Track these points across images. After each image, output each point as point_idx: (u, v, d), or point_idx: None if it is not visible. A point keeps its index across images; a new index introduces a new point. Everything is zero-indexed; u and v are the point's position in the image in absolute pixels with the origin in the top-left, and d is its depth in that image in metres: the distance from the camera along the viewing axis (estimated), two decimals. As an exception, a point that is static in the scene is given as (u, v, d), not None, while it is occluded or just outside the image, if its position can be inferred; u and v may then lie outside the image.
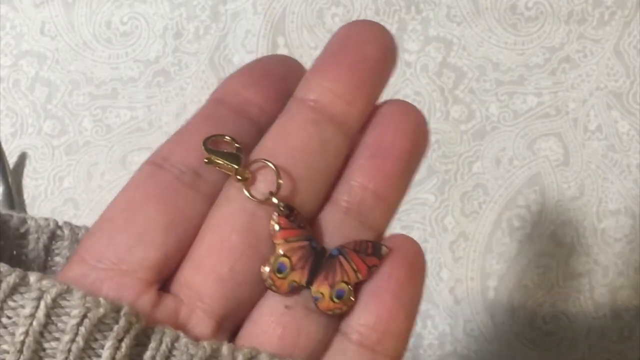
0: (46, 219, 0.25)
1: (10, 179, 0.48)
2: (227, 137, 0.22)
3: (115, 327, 0.20)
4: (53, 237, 0.25)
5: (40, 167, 0.57)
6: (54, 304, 0.19)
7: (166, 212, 0.22)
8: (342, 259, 0.22)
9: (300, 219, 0.22)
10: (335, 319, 0.22)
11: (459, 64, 0.55)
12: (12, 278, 0.19)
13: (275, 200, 0.22)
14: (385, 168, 0.23)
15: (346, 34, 0.23)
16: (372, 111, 0.23)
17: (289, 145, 0.22)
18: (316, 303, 0.22)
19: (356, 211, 0.23)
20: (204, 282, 0.22)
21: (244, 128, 0.23)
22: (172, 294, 0.22)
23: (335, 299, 0.22)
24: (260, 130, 0.23)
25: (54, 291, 0.19)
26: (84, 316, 0.19)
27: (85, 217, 0.55)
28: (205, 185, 0.22)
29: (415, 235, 0.38)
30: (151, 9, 0.57)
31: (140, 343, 0.20)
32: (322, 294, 0.22)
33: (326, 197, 0.23)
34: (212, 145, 0.22)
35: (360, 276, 0.22)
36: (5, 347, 0.19)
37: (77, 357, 0.19)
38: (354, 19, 0.55)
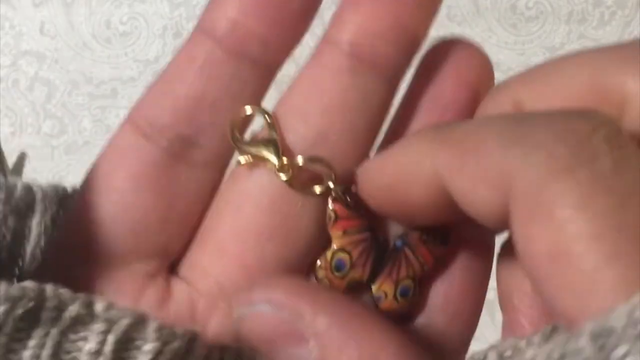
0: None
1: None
2: (266, 117, 0.18)
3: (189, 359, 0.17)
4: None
5: (40, 167, 0.57)
6: (124, 337, 0.16)
7: (160, 197, 0.18)
8: (407, 251, 0.19)
9: (360, 205, 0.19)
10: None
11: (459, 63, 0.55)
12: (75, 307, 0.16)
13: (331, 184, 0.18)
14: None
15: None
16: (427, 53, 0.19)
17: (323, 103, 0.18)
18: (377, 303, 0.19)
19: None
20: (226, 270, 0.18)
21: (244, 74, 0.18)
22: (185, 281, 0.19)
23: (399, 298, 0.19)
24: (266, 76, 0.19)
25: (124, 323, 0.16)
26: (159, 352, 0.16)
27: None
28: (201, 153, 0.18)
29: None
30: (151, 9, 0.57)
31: None
32: (385, 292, 0.19)
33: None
34: (237, 119, 0.18)
35: (426, 268, 0.19)
36: None
37: None
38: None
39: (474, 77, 0.20)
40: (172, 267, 0.19)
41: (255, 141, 0.18)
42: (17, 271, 0.17)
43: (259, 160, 0.18)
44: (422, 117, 0.19)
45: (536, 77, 0.16)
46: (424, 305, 0.19)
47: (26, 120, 0.57)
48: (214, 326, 0.18)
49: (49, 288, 0.16)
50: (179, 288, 0.19)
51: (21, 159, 0.57)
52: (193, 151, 0.18)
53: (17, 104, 0.57)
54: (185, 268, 0.19)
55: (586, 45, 0.54)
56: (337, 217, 0.19)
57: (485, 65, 0.20)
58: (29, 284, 0.16)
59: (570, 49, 0.54)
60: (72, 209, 0.19)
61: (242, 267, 0.18)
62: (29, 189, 0.19)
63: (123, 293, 0.18)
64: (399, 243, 0.19)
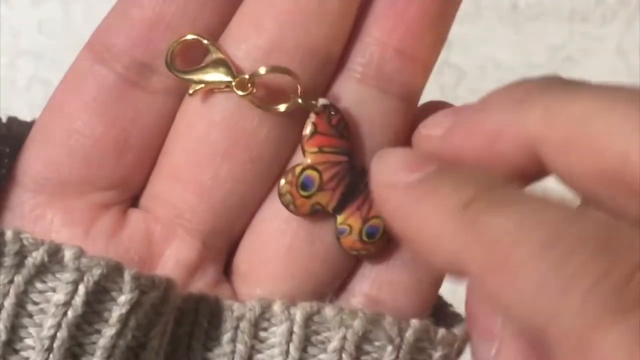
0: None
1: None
2: (203, 39, 0.17)
3: (164, 310, 0.16)
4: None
5: (38, 167, 0.57)
6: (97, 288, 0.15)
7: (113, 125, 0.17)
8: None
9: (343, 126, 0.17)
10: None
11: (460, 63, 0.55)
12: (39, 254, 0.14)
13: (300, 100, 0.17)
14: (409, 16, 0.18)
15: None
16: None
17: (278, 9, 0.17)
18: (339, 237, 0.17)
19: (375, 76, 0.18)
20: (182, 194, 0.17)
21: None
22: (143, 210, 0.18)
23: (364, 238, 0.17)
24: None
25: (97, 272, 0.15)
26: (136, 303, 0.15)
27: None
28: (160, 80, 0.18)
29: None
30: (149, 8, 0.57)
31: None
32: (350, 227, 0.17)
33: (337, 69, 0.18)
34: (180, 57, 0.17)
35: None
36: (29, 341, 0.14)
37: (123, 352, 0.15)
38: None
39: None
40: (136, 199, 0.18)
41: (202, 67, 0.17)
42: None
43: (211, 85, 0.17)
44: (382, 7, 0.17)
45: (566, 118, 0.15)
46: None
47: (25, 120, 0.57)
48: (170, 253, 0.18)
49: (10, 232, 0.14)
50: (135, 217, 0.18)
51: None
52: (152, 77, 0.18)
53: (15, 104, 0.57)
54: (145, 198, 0.18)
55: (588, 44, 0.54)
56: (315, 131, 0.16)
57: None
58: None
59: (572, 48, 0.54)
60: (25, 138, 0.18)
61: (197, 190, 0.17)
62: None
63: (73, 222, 0.17)
64: None
